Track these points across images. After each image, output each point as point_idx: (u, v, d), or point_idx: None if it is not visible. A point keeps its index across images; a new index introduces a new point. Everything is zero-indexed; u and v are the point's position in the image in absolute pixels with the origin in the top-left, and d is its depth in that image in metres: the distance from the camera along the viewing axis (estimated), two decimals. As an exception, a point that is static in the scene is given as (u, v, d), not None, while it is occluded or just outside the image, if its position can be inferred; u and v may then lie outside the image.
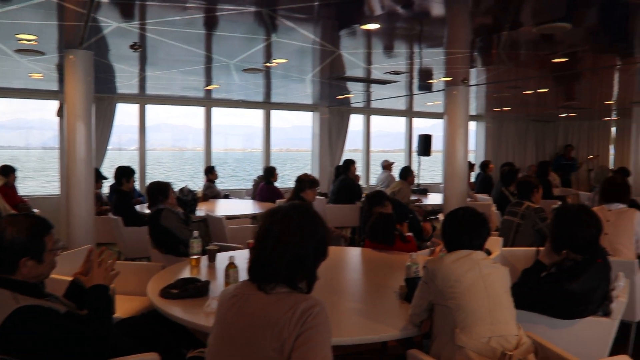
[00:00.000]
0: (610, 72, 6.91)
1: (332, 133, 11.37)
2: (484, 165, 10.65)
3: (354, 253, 4.48)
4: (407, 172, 8.09)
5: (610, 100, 10.32)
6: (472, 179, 11.12)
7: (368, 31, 4.54)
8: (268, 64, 6.17)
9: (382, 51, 5.44)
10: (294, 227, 1.79)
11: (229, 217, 6.05)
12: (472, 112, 13.05)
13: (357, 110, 11.86)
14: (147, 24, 4.34)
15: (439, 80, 7.21)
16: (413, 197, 9.00)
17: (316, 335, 1.65)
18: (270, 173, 8.21)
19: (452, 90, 7.34)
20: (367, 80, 7.32)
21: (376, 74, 6.83)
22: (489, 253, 3.98)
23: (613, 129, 14.71)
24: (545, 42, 4.92)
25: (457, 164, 7.39)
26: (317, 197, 8.39)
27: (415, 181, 12.10)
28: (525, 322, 2.81)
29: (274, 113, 11.16)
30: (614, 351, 2.65)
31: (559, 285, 2.70)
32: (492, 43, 5.02)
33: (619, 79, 7.51)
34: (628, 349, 3.91)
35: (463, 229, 2.49)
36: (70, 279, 2.49)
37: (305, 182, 5.19)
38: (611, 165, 14.20)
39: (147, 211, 4.76)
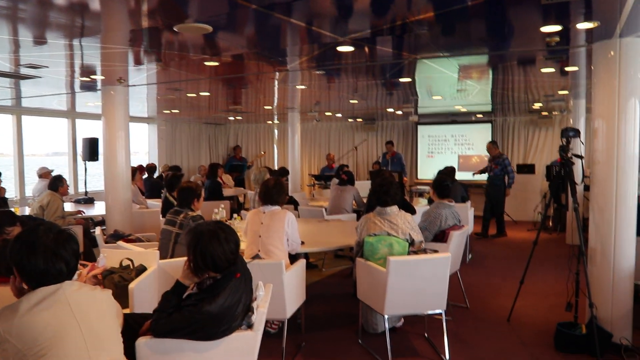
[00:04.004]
0: (269, 79, 7.21)
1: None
2: (151, 168, 10.31)
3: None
4: (57, 182, 7.03)
5: (270, 106, 11.13)
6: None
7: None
8: None
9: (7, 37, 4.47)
10: None
11: None
12: (144, 114, 12.56)
13: (4, 110, 10.09)
14: None
15: (90, 78, 6.45)
16: (74, 209, 8.11)
17: None
18: None
19: (110, 90, 6.70)
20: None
21: (6, 66, 5.71)
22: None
23: (276, 131, 16.14)
24: (197, 45, 4.76)
25: (118, 168, 6.78)
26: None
27: (82, 189, 11.03)
28: (171, 351, 2.52)
29: None
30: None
31: (199, 308, 2.46)
32: (146, 41, 4.61)
33: (278, 87, 8.02)
34: (282, 344, 4.07)
35: (35, 251, 1.97)
36: None
37: None
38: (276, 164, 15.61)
39: None
